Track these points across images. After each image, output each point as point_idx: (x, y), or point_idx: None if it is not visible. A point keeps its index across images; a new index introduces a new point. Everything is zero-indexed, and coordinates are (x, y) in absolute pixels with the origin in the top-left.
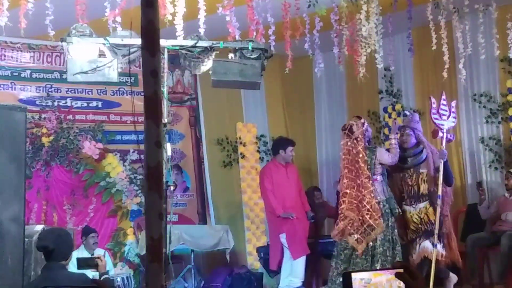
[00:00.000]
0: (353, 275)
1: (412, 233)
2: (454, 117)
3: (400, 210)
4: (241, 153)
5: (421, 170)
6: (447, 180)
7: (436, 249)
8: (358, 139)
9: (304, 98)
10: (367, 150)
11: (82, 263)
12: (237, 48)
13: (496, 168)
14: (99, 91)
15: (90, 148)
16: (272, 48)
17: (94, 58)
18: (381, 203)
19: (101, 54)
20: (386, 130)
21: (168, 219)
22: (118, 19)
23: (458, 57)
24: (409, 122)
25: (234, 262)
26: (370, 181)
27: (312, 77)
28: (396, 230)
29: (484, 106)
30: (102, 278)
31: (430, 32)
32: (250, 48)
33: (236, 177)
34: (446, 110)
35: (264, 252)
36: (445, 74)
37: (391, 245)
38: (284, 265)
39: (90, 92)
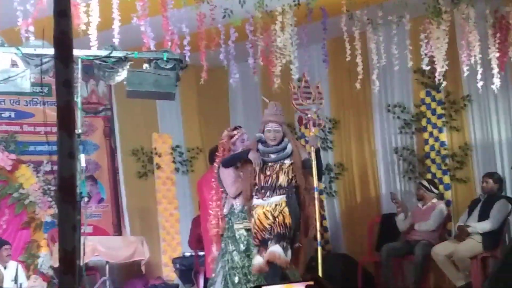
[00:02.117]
0: None
1: (265, 231)
2: (321, 98)
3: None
4: (156, 164)
5: (284, 161)
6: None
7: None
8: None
9: (220, 108)
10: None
11: None
12: (151, 58)
13: (410, 178)
14: (11, 101)
15: (2, 159)
16: (187, 58)
17: (6, 68)
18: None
19: (14, 64)
20: (302, 141)
21: (82, 231)
22: (31, 28)
23: (372, 68)
24: (275, 115)
25: (149, 273)
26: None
27: (227, 88)
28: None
29: (398, 117)
30: None
31: (344, 43)
32: (165, 58)
33: (152, 188)
34: (309, 93)
35: (179, 263)
36: (358, 85)
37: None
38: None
39: (2, 103)
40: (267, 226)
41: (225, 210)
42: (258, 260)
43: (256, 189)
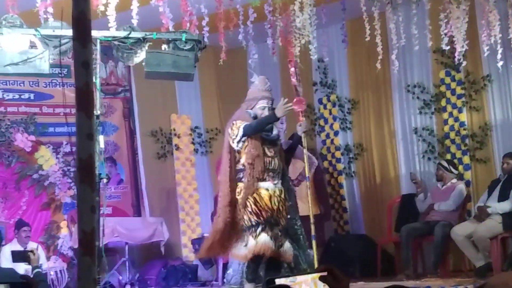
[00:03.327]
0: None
1: (270, 211)
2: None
3: None
4: (175, 145)
5: (278, 143)
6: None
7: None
8: None
9: (239, 89)
10: None
11: (16, 256)
12: (170, 39)
13: (429, 159)
14: (31, 82)
15: (22, 140)
16: (205, 39)
17: (25, 49)
18: None
19: (32, 45)
20: (321, 122)
21: (101, 212)
22: (50, 9)
23: (391, 48)
24: (268, 90)
25: (168, 254)
26: None
27: (246, 69)
28: None
29: (418, 97)
30: (34, 272)
31: (363, 24)
32: (183, 39)
33: (171, 169)
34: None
35: (199, 244)
36: (378, 65)
37: None
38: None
39: (22, 84)
40: (273, 207)
41: None
42: (265, 238)
43: (259, 171)
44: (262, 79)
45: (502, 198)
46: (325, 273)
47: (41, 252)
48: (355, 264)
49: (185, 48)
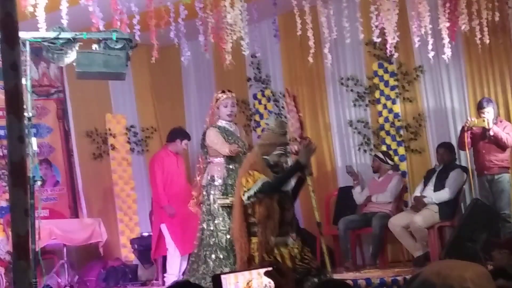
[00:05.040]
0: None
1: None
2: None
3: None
4: (111, 145)
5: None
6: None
7: None
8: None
9: (173, 87)
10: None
11: None
12: (101, 38)
13: (365, 151)
14: None
15: None
16: (137, 37)
17: None
18: None
19: None
20: (257, 117)
21: (37, 215)
22: None
23: (323, 42)
24: (284, 135)
25: (108, 255)
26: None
27: (180, 66)
28: None
29: (351, 90)
30: None
31: (295, 18)
32: (114, 38)
33: (107, 169)
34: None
35: (138, 244)
36: (310, 59)
37: None
38: (170, 259)
39: None
40: (297, 265)
41: (204, 181)
42: None
43: (272, 228)
44: (280, 123)
45: (437, 187)
46: (270, 268)
47: None
48: None
49: (116, 47)
